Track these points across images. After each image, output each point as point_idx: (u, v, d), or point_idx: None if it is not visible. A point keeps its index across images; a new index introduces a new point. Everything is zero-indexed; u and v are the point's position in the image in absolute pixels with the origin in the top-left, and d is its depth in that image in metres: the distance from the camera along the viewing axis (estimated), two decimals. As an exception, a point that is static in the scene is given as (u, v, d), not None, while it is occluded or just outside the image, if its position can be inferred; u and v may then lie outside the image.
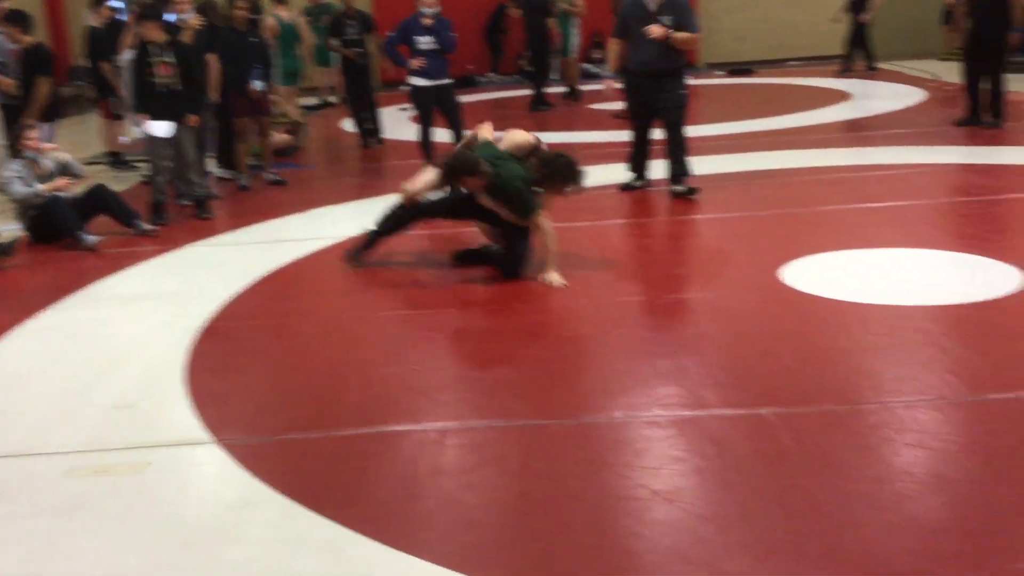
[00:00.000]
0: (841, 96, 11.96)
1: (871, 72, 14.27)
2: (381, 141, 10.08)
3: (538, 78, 12.76)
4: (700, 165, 8.04)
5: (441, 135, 8.22)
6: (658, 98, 6.86)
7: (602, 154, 8.83)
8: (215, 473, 3.26)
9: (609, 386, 3.80)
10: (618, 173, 7.26)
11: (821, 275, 4.86)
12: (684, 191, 6.78)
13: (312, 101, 13.39)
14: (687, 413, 3.46)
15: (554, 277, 4.91)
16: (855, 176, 7.36)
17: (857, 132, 9.50)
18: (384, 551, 2.71)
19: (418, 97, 8.02)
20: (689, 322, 4.51)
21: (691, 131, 10.01)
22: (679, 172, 6.87)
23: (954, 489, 2.87)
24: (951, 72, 13.43)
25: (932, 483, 2.91)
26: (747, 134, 9.62)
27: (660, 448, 3.23)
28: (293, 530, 2.85)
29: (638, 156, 7.19)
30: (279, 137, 9.91)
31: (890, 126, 9.66)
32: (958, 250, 5.26)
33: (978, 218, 6.06)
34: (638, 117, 7.15)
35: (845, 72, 14.32)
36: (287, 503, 2.99)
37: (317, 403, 3.76)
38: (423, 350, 4.29)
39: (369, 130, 10.12)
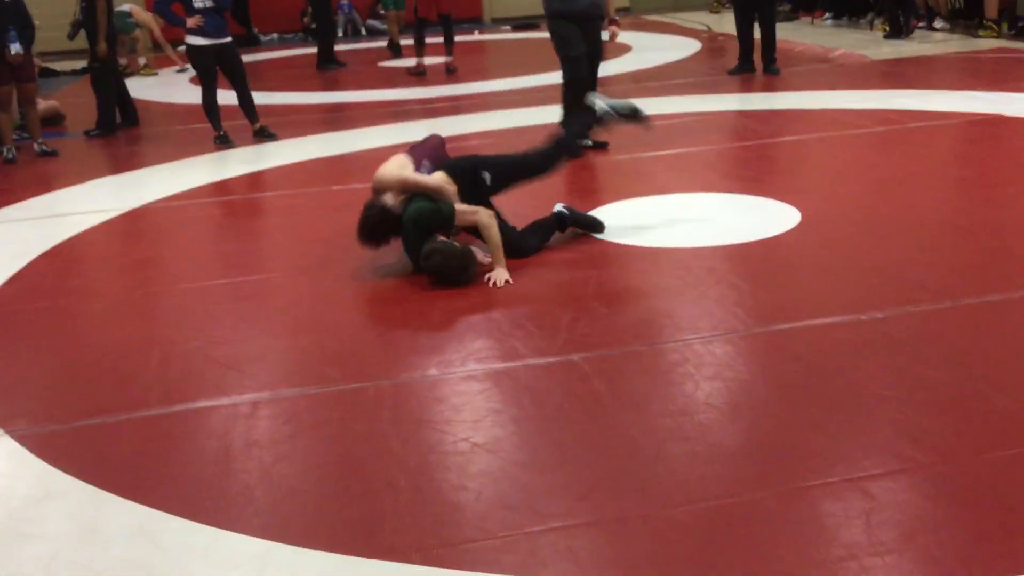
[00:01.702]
0: (624, 48, 12.32)
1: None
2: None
3: (321, 35, 12.45)
4: (489, 120, 8.15)
5: (225, 97, 7.89)
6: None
7: (400, 111, 8.76)
8: (7, 467, 3.03)
9: (422, 345, 3.79)
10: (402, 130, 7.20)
11: (614, 223, 5.02)
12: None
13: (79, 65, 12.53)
14: (501, 365, 3.50)
15: (500, 275, 4.33)
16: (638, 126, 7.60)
17: (639, 83, 9.83)
18: (200, 530, 2.60)
19: (197, 57, 7.63)
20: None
21: (478, 87, 10.23)
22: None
23: (751, 416, 3.06)
24: (722, 23, 14.16)
25: (731, 412, 3.09)
26: (534, 88, 9.75)
27: (477, 401, 3.25)
28: (98, 519, 2.69)
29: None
30: (45, 104, 9.22)
31: (669, 76, 10.07)
32: (740, 192, 5.56)
33: (756, 161, 6.43)
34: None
35: None
36: (90, 491, 2.82)
37: (114, 385, 3.55)
38: (226, 322, 4.13)
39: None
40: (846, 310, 3.75)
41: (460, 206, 4.43)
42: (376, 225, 4.46)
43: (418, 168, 4.61)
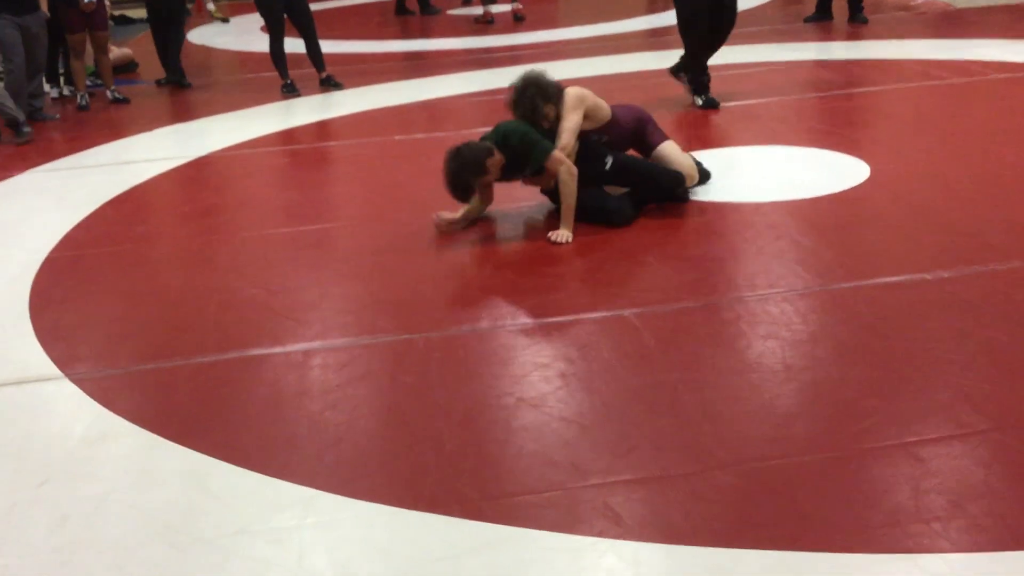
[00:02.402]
0: None
1: None
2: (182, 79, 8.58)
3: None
4: (559, 70, 8.03)
5: (293, 45, 7.92)
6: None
7: (469, 60, 8.70)
8: (66, 409, 3.12)
9: (475, 298, 3.79)
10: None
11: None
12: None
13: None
14: (551, 319, 3.48)
15: (563, 234, 4.22)
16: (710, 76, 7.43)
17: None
18: (249, 476, 2.65)
19: (266, 5, 7.65)
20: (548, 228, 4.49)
21: (549, 35, 10.09)
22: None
23: (804, 376, 2.99)
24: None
25: (784, 372, 3.02)
26: (607, 36, 9.59)
27: (526, 355, 3.24)
28: (151, 462, 2.76)
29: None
30: (118, 52, 9.37)
31: (744, 24, 9.78)
32: (809, 145, 5.41)
33: (828, 113, 6.23)
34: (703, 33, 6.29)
35: None
36: (144, 435, 2.89)
37: (171, 331, 3.63)
38: (285, 270, 4.18)
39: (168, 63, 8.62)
40: (911, 269, 3.64)
41: (557, 152, 4.32)
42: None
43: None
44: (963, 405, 2.73)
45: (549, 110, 4.46)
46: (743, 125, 5.94)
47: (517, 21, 11.14)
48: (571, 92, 4.55)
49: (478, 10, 11.61)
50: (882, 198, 4.48)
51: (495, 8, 11.31)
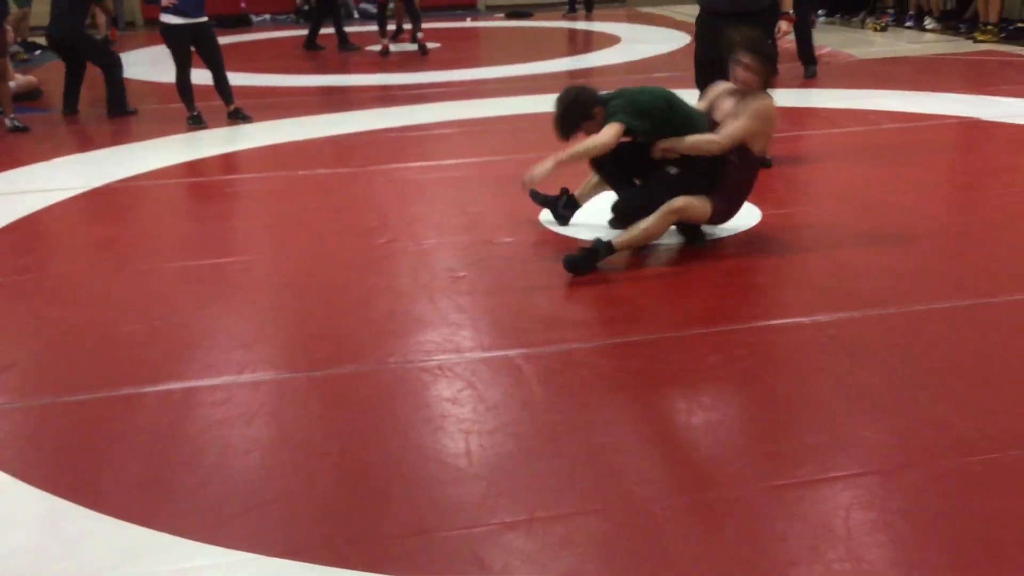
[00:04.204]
0: (613, 40, 12.25)
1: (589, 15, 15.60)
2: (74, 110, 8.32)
3: (315, 17, 12.35)
4: (474, 108, 8.08)
5: (204, 77, 7.81)
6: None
7: (383, 97, 8.69)
8: (-79, 450, 2.97)
9: (365, 337, 3.73)
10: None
11: (580, 216, 4.94)
12: None
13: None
14: (438, 359, 3.45)
15: (541, 167, 4.27)
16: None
17: (628, 75, 9.75)
18: (106, 521, 2.54)
19: (171, 37, 7.53)
20: (448, 267, 4.47)
21: (469, 74, 10.14)
22: None
23: (684, 418, 3.00)
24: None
25: (663, 414, 3.04)
26: (521, 77, 9.68)
27: (408, 397, 3.20)
28: (4, 505, 2.63)
29: None
30: (23, 79, 9.15)
31: (658, 68, 9.98)
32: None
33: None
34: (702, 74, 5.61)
35: (568, 14, 15.70)
36: (2, 477, 2.77)
37: (42, 368, 3.50)
38: (171, 305, 4.07)
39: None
40: (791, 312, 3.71)
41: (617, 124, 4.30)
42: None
43: None
44: (834, 449, 2.78)
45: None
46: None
47: (423, 54, 11.25)
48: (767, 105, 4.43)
49: (406, 46, 11.68)
50: (769, 242, 4.56)
51: (423, 45, 11.40)
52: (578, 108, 4.43)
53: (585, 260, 4.19)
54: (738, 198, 4.48)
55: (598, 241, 4.25)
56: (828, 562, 2.29)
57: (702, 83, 5.58)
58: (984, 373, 3.21)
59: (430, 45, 11.66)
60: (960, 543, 2.34)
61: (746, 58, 4.38)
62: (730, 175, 4.39)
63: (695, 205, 4.30)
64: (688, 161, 4.36)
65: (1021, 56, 9.79)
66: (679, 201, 4.28)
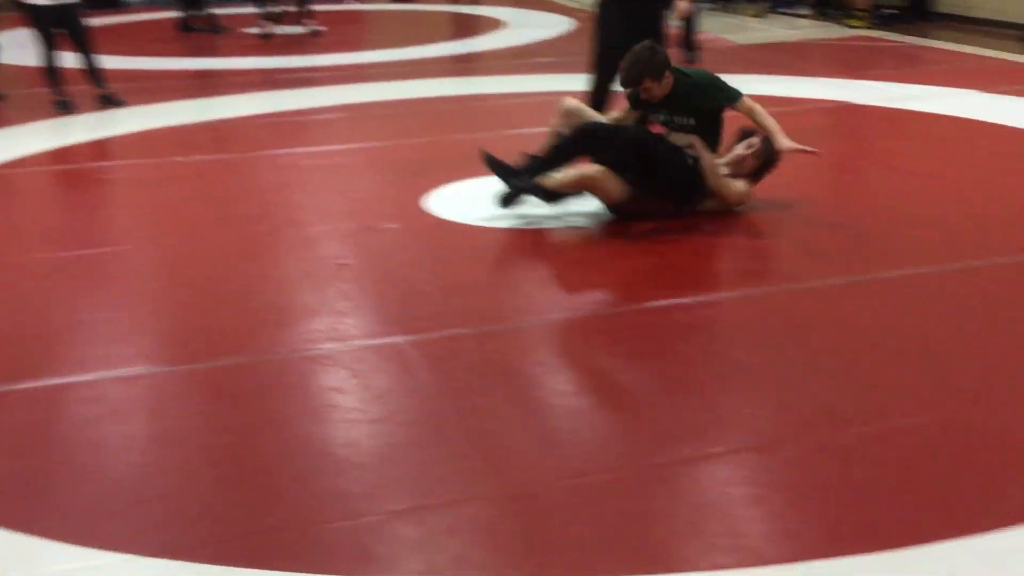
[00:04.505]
0: (499, 24, 12.24)
1: None
2: None
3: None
4: (357, 93, 7.96)
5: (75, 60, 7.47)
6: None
7: (264, 81, 8.49)
8: None
9: (245, 327, 3.64)
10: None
11: (463, 202, 4.94)
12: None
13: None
14: (324, 348, 3.39)
15: (792, 144, 4.49)
16: (506, 103, 7.56)
17: (515, 60, 9.77)
18: (-29, 528, 2.43)
19: (35, 18, 7.17)
20: (332, 254, 4.39)
21: (353, 58, 9.98)
22: None
23: (567, 402, 3.03)
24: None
25: (547, 400, 3.06)
26: (406, 61, 9.59)
27: (293, 387, 3.14)
28: None
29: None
30: None
31: (544, 54, 10.03)
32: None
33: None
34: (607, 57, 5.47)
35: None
36: None
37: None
38: (40, 298, 3.89)
39: None
40: (669, 294, 3.77)
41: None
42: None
43: None
44: (713, 426, 2.84)
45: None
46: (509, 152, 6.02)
47: (312, 36, 11.08)
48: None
49: (291, 29, 11.42)
50: (650, 227, 4.62)
51: (283, 29, 11.18)
52: (657, 64, 4.51)
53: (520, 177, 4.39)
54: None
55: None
56: (708, 537, 2.34)
57: (605, 71, 5.63)
58: (858, 350, 3.33)
59: (316, 28, 11.43)
60: (833, 514, 2.43)
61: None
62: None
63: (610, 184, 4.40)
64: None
65: (890, 41, 10.19)
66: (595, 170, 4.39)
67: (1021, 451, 2.68)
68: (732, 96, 4.63)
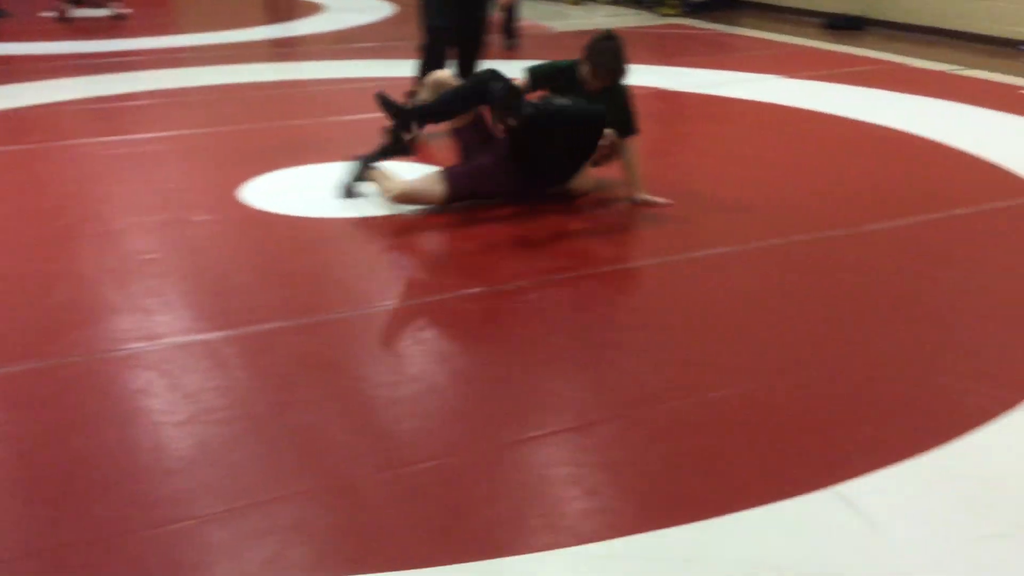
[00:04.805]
0: (316, 8, 11.98)
1: None
2: None
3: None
4: (167, 79, 7.62)
5: None
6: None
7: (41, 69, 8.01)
8: None
9: (51, 325, 3.41)
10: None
11: (282, 192, 4.80)
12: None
13: None
14: (130, 348, 3.22)
15: (647, 196, 4.56)
16: (326, 90, 7.41)
17: (335, 44, 9.58)
18: None
19: None
20: (138, 249, 4.18)
21: (164, 42, 9.54)
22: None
23: (420, 384, 2.99)
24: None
25: (394, 384, 3.01)
26: (220, 46, 9.25)
27: (99, 392, 2.96)
28: None
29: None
30: None
31: (365, 39, 9.88)
32: (416, 160, 5.49)
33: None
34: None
35: None
36: None
37: None
38: None
39: None
40: (490, 281, 3.79)
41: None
42: None
43: None
44: (532, 410, 2.86)
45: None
46: (357, 140, 5.92)
47: (119, 18, 10.56)
48: None
49: (93, 11, 10.80)
50: (462, 217, 4.63)
51: (83, 12, 10.60)
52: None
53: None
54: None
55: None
56: (527, 520, 2.36)
57: (434, 56, 5.61)
58: (672, 328, 3.44)
59: (122, 10, 10.87)
60: (645, 488, 2.49)
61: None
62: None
63: (428, 187, 4.39)
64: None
65: (701, 29, 10.58)
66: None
67: (817, 418, 2.82)
68: (630, 128, 4.62)
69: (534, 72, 4.67)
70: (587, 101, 4.49)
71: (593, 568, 2.20)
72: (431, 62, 5.74)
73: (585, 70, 4.50)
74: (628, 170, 4.65)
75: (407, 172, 4.62)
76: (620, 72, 4.56)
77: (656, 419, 2.81)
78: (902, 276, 3.89)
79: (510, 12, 9.12)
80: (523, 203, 4.59)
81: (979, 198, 4.78)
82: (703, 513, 2.37)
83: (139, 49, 9.08)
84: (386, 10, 11.98)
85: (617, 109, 4.58)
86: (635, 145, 4.68)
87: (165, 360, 3.15)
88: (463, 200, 4.50)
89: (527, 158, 4.48)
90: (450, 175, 4.46)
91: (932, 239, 4.28)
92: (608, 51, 4.52)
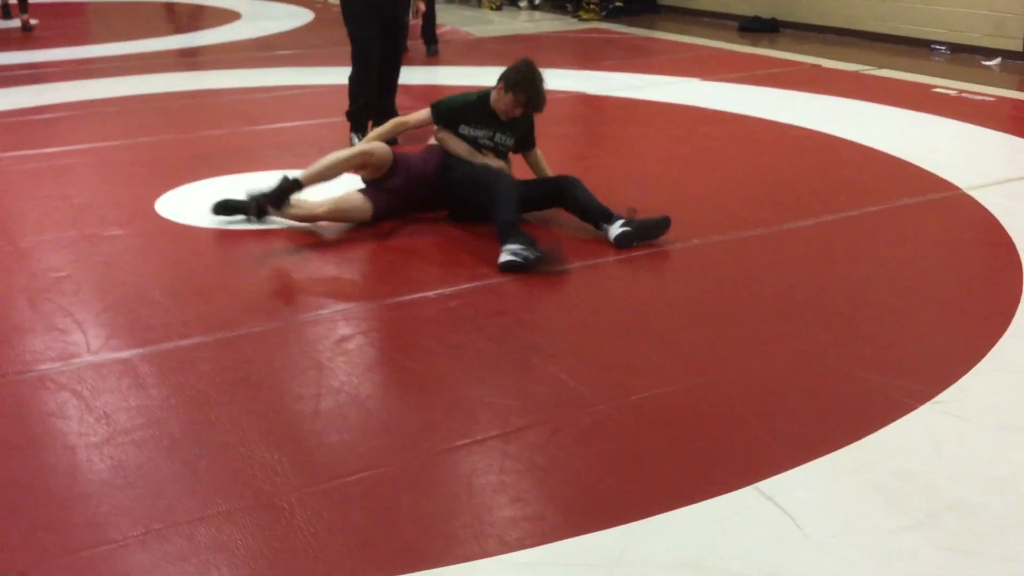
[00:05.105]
0: (233, 16, 11.81)
1: None
2: None
3: None
4: (83, 90, 7.43)
5: None
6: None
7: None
8: None
9: None
10: None
11: (198, 204, 4.71)
12: None
13: None
14: (45, 368, 3.12)
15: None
16: (243, 99, 7.30)
17: (248, 52, 9.44)
18: None
19: None
20: (49, 266, 4.06)
21: (74, 52, 9.30)
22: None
23: (328, 401, 2.96)
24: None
25: (307, 399, 2.97)
26: (133, 55, 9.06)
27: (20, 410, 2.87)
28: None
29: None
30: None
31: (283, 46, 9.76)
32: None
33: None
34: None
35: None
36: None
37: None
38: None
39: None
40: (420, 288, 3.77)
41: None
42: None
43: None
44: (457, 418, 2.85)
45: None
46: (275, 149, 5.85)
47: (26, 31, 10.23)
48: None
49: (3, 23, 10.48)
50: (384, 226, 4.61)
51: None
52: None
53: (279, 193, 4.19)
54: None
55: (284, 178, 4.24)
56: (453, 530, 2.34)
57: (363, 61, 5.73)
58: (593, 331, 3.46)
59: (30, 21, 10.58)
60: (570, 493, 2.50)
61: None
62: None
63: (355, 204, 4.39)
64: None
65: (619, 33, 10.69)
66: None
67: (738, 417, 2.86)
68: (534, 142, 4.71)
69: (439, 108, 4.61)
70: (499, 128, 4.55)
71: (520, 576, 2.20)
72: (362, 70, 5.77)
73: (506, 100, 4.48)
74: (542, 173, 4.70)
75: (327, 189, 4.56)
76: (542, 103, 4.57)
77: (580, 423, 2.83)
78: (816, 274, 3.98)
79: (428, 18, 9.11)
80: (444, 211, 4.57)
81: (891, 195, 4.91)
82: (629, 515, 2.38)
83: (50, 60, 8.85)
84: (302, 17, 11.87)
85: (527, 128, 4.66)
86: (539, 152, 4.74)
87: (79, 380, 3.06)
88: (388, 217, 4.47)
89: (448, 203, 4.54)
90: (372, 194, 4.41)
91: (846, 236, 4.38)
92: (532, 82, 4.51)
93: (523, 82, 4.46)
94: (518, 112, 4.52)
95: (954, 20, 9.20)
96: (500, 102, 4.49)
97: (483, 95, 4.56)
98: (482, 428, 2.80)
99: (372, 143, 4.47)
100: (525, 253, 3.89)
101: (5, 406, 2.92)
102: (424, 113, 4.62)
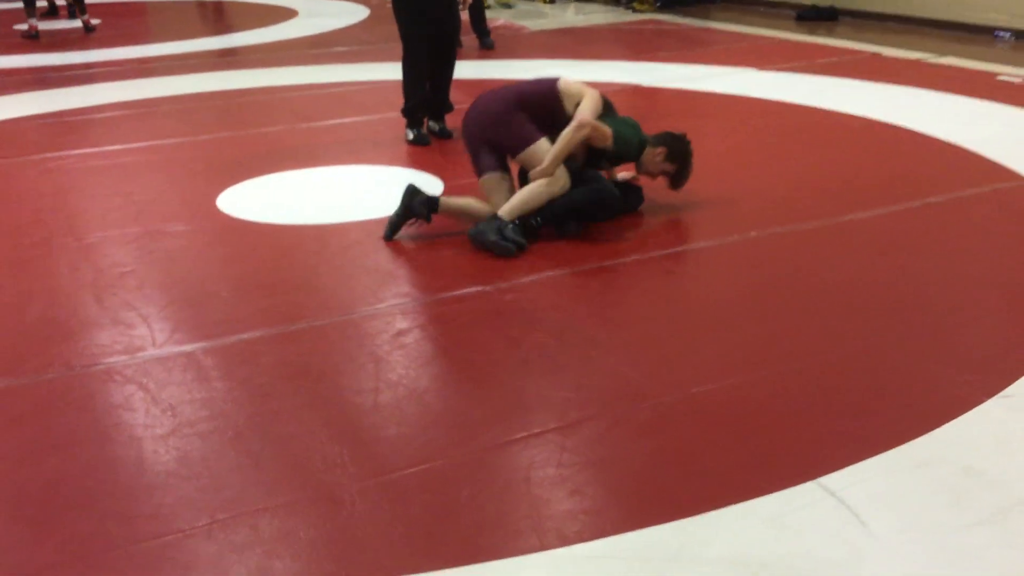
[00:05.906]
0: (289, 14, 11.93)
1: None
2: None
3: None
4: (143, 88, 7.57)
5: None
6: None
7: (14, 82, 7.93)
8: None
9: (27, 342, 3.38)
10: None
11: (260, 200, 4.78)
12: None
13: None
14: (111, 361, 3.19)
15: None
16: (301, 95, 7.37)
17: (305, 50, 9.54)
18: None
19: None
20: (114, 262, 4.15)
21: (135, 52, 9.48)
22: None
23: (395, 392, 2.98)
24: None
25: (368, 392, 3.00)
26: (192, 54, 9.21)
27: (72, 407, 2.94)
28: None
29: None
30: None
31: (337, 43, 9.85)
32: (393, 164, 5.49)
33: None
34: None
35: None
36: None
37: None
38: None
39: None
40: (473, 282, 3.78)
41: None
42: None
43: None
44: (516, 411, 2.86)
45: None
46: (334, 146, 5.90)
47: (88, 32, 10.46)
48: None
49: (63, 24, 10.71)
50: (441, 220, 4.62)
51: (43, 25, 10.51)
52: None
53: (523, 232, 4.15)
54: None
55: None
56: (512, 523, 2.35)
57: (417, 57, 5.72)
58: (653, 324, 3.44)
59: (92, 21, 10.81)
60: (629, 487, 2.49)
61: None
62: None
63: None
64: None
65: (675, 24, 10.60)
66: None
67: (799, 411, 2.83)
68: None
69: (608, 103, 4.50)
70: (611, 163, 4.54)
71: (579, 570, 2.20)
72: (416, 65, 5.79)
73: (659, 164, 4.42)
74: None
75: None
76: (683, 183, 4.53)
77: (638, 416, 2.81)
78: (878, 266, 3.91)
79: (477, 11, 9.12)
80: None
81: (954, 185, 4.80)
82: (687, 510, 2.37)
83: (113, 60, 9.02)
84: (358, 13, 11.95)
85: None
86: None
87: (144, 373, 3.13)
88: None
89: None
90: None
91: (907, 228, 4.30)
92: (689, 163, 4.46)
93: (683, 157, 4.44)
94: (656, 177, 4.51)
95: (1019, 5, 8.97)
96: (652, 163, 4.43)
97: (642, 141, 4.43)
98: (540, 421, 2.80)
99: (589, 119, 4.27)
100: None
101: (74, 399, 2.99)
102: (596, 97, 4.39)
